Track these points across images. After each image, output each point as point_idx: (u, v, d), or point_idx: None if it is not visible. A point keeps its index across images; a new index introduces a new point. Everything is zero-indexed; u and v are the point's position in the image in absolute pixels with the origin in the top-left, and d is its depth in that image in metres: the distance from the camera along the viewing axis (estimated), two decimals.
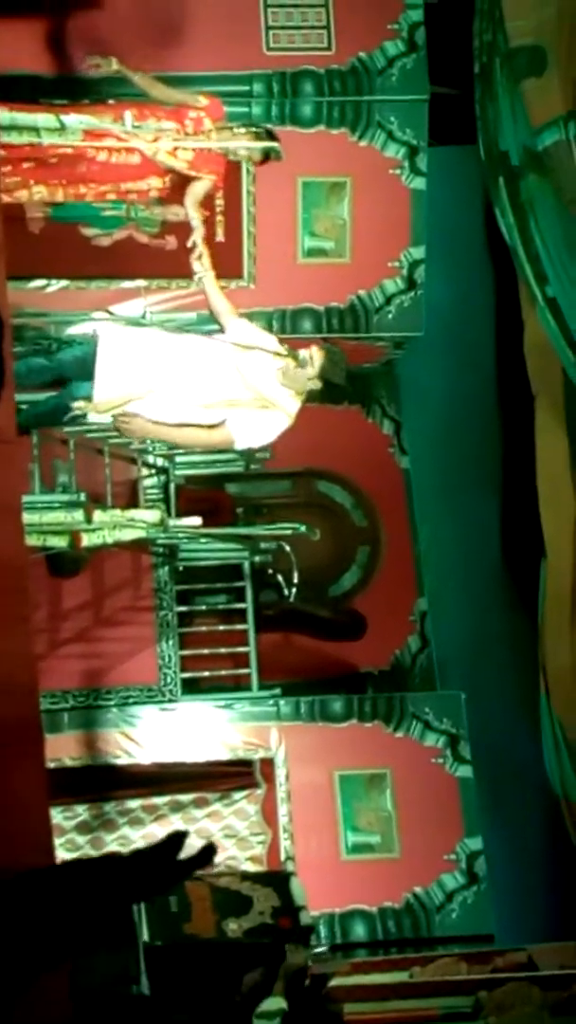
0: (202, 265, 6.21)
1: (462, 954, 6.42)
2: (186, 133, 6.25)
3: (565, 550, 7.77)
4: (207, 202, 6.95)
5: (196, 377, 5.94)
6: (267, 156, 6.38)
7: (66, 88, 7.01)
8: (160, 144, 6.21)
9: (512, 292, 7.91)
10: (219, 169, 6.39)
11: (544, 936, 7.13)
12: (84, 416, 6.05)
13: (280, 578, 7.49)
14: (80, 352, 6.14)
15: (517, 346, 7.94)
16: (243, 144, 6.29)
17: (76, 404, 6.05)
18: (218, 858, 7.26)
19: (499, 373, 8.68)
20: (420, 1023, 5.73)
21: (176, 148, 6.25)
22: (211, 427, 5.99)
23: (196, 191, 6.39)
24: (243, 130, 6.33)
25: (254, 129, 6.39)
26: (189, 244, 6.29)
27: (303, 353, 5.91)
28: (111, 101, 6.41)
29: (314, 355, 5.89)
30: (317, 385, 5.92)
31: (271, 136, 6.39)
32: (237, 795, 7.39)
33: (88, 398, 5.99)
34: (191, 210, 6.34)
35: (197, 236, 6.28)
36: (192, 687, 7.49)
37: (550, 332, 7.51)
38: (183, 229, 6.47)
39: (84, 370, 6.02)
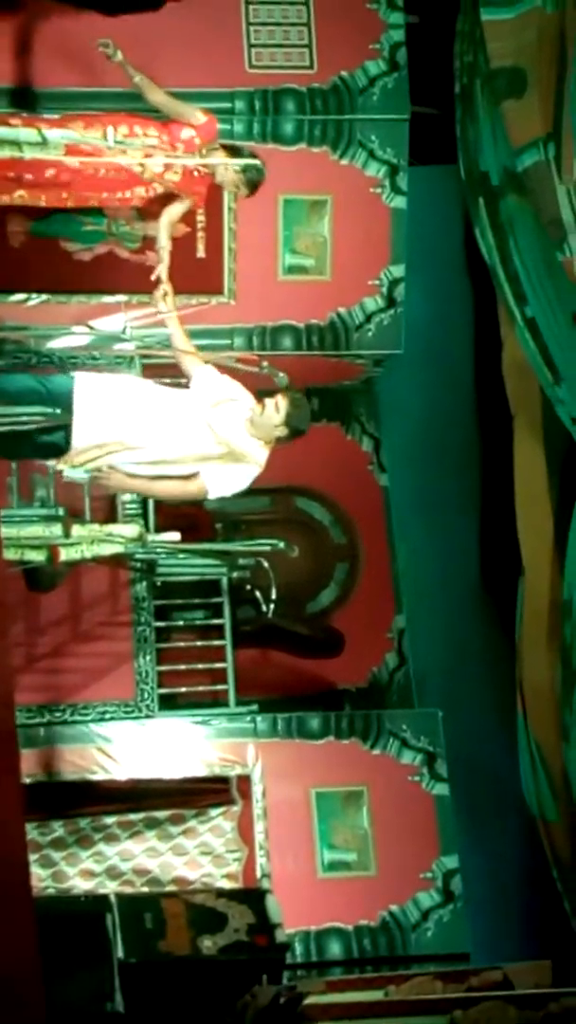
0: (167, 305, 6.27)
1: (437, 973, 6.40)
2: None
3: (543, 569, 7.79)
4: (188, 218, 6.99)
5: (167, 434, 6.04)
6: (254, 188, 6.42)
7: (48, 102, 7.01)
8: (148, 162, 6.21)
9: (491, 312, 7.95)
10: (202, 191, 6.41)
11: (520, 955, 7.14)
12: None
13: (258, 594, 7.50)
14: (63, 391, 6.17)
15: (496, 365, 7.97)
16: (227, 161, 6.32)
17: (50, 463, 6.15)
18: (193, 874, 7.28)
19: (478, 392, 8.72)
20: None
21: (164, 169, 6.27)
22: (186, 478, 6.09)
23: (173, 213, 6.43)
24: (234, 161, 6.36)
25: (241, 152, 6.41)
26: (153, 278, 6.33)
27: (268, 402, 5.99)
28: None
29: (279, 403, 5.99)
30: (284, 432, 6.03)
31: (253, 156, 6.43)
32: (213, 812, 7.36)
33: (59, 448, 6.03)
34: (163, 237, 6.38)
35: (163, 270, 6.33)
36: (169, 703, 7.47)
37: (528, 352, 7.55)
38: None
39: (63, 412, 6.07)
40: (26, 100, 7.01)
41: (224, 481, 6.13)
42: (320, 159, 7.55)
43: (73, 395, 6.07)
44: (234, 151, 6.46)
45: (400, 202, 7.66)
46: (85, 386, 6.13)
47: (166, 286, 6.32)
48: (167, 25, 7.25)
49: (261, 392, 6.33)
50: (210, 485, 6.13)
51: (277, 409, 6.01)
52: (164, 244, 6.45)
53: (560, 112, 7.15)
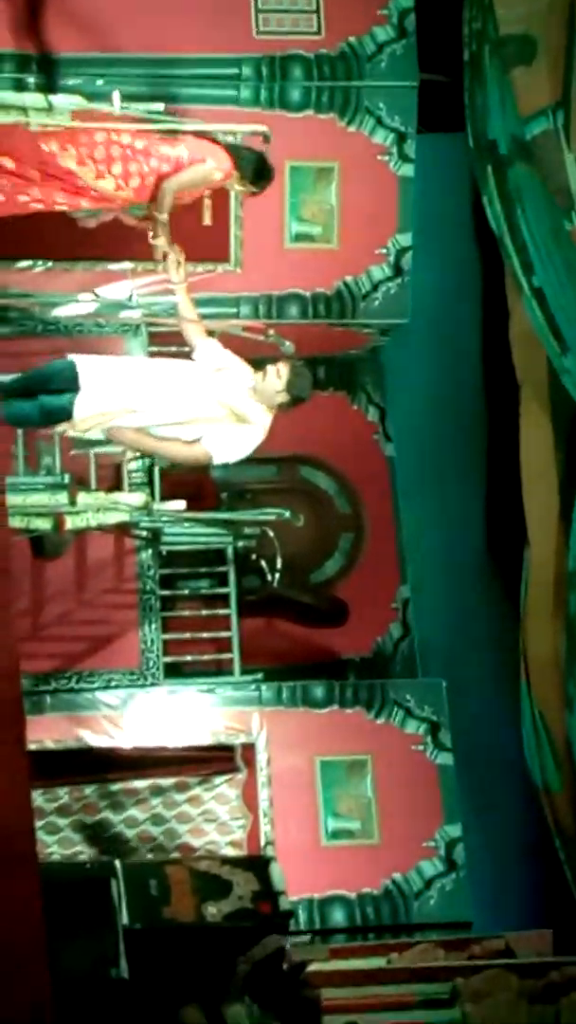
0: (178, 276, 6.24)
1: (439, 941, 6.44)
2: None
3: (548, 539, 7.78)
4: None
5: (171, 398, 6.03)
6: (258, 189, 6.39)
7: (52, 67, 6.96)
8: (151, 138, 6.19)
9: (499, 281, 7.91)
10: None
11: (522, 924, 7.17)
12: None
13: (263, 563, 7.50)
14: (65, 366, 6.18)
15: (503, 335, 7.94)
16: (233, 128, 6.30)
17: (57, 428, 6.15)
18: (198, 842, 7.31)
19: (484, 362, 8.69)
20: (397, 1009, 5.75)
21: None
22: (190, 442, 6.09)
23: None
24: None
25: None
26: (160, 255, 6.30)
27: (270, 368, 6.00)
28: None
29: (280, 370, 6.00)
30: (285, 399, 6.04)
31: (261, 168, 6.38)
32: (218, 779, 7.39)
33: (67, 412, 6.03)
34: (162, 210, 6.34)
35: (164, 243, 6.29)
36: (174, 671, 7.48)
37: (535, 322, 7.52)
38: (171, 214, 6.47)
39: (68, 383, 6.07)
40: (31, 66, 6.96)
41: (228, 445, 6.13)
42: (327, 126, 7.50)
43: (77, 372, 6.06)
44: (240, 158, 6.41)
45: (408, 170, 7.61)
46: (86, 365, 6.13)
47: (179, 255, 6.29)
48: None
49: (264, 361, 6.32)
50: (214, 450, 6.13)
51: (279, 375, 6.02)
52: (163, 219, 6.43)
53: (570, 80, 7.10)
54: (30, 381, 6.17)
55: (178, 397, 6.06)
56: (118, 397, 6.03)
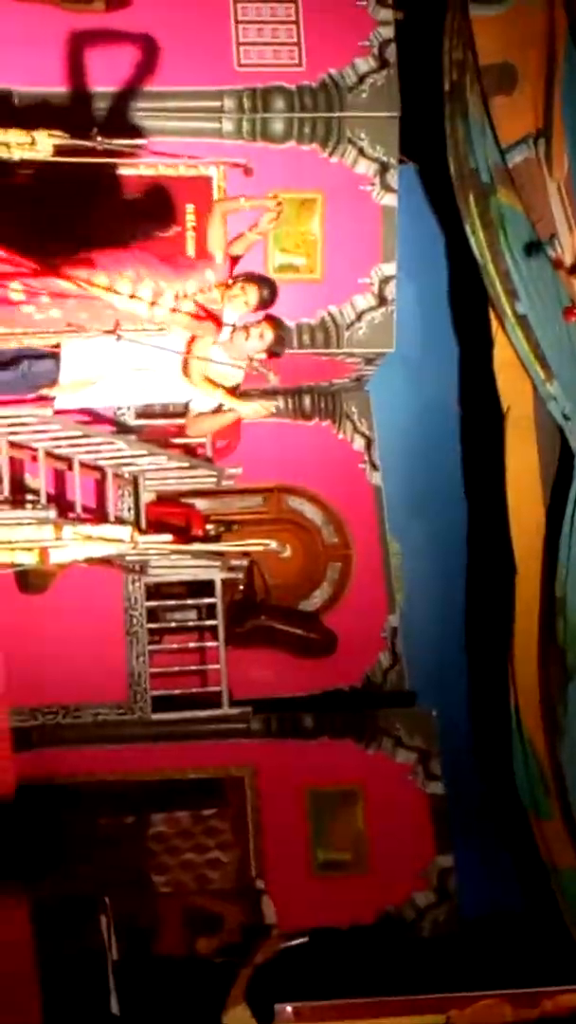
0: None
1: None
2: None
3: (534, 565, 7.79)
4: (179, 217, 6.97)
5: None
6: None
7: (39, 104, 6.98)
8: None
9: (481, 308, 7.94)
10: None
11: (513, 951, 7.17)
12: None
13: (250, 595, 7.48)
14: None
15: (487, 362, 7.96)
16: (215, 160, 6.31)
17: (43, 391, 6.13)
18: (188, 875, 7.27)
19: (469, 390, 8.71)
20: None
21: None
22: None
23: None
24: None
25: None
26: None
27: (253, 330, 6.06)
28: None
29: (264, 333, 6.06)
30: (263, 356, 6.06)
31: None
32: (208, 812, 7.36)
33: (52, 374, 6.01)
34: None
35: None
36: (162, 704, 7.45)
37: (520, 349, 7.54)
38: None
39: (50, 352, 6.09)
40: (14, 103, 6.97)
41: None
42: (310, 157, 7.52)
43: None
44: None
45: (390, 200, 7.63)
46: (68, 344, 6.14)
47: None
48: (156, 24, 7.23)
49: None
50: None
51: (261, 338, 6.04)
52: None
53: (550, 108, 7.15)
54: (13, 353, 6.18)
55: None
56: (100, 361, 6.05)
